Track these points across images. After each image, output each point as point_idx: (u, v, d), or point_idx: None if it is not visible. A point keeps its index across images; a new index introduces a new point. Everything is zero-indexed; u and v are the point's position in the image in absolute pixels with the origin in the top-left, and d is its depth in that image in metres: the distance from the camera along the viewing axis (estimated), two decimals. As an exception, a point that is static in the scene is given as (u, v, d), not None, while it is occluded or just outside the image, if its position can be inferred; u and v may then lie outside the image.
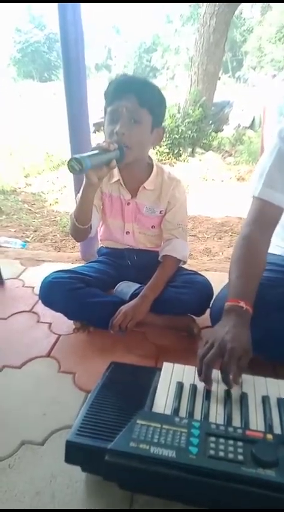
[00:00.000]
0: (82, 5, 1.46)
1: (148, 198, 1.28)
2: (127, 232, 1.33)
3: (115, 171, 1.24)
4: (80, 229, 1.16)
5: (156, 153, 5.62)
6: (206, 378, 0.79)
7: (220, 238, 3.00)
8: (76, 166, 0.92)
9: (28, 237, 2.96)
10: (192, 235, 3.01)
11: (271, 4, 18.06)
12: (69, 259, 1.82)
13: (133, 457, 0.65)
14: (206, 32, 6.07)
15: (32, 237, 2.97)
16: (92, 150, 0.99)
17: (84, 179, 1.03)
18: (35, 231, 3.10)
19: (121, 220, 1.31)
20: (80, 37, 1.49)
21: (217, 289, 1.13)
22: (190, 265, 1.60)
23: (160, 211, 1.29)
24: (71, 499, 0.72)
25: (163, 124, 1.22)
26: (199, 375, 0.81)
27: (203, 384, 0.80)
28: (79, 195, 1.10)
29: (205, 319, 1.18)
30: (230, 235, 3.03)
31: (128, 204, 1.28)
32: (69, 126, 1.62)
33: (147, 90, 1.11)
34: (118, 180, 1.25)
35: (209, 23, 5.97)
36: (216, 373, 0.80)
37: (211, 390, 0.80)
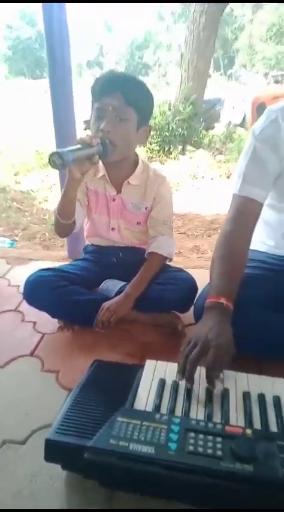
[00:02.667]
0: (72, 3, 1.45)
1: (133, 194, 1.27)
2: (113, 229, 1.32)
3: (101, 166, 1.24)
4: (63, 225, 1.16)
5: (146, 150, 5.61)
6: (189, 377, 0.79)
7: (209, 236, 3.01)
8: (57, 161, 0.91)
9: (16, 236, 2.94)
10: (181, 233, 3.02)
11: (262, 3, 18.11)
12: (56, 258, 1.81)
13: (112, 454, 0.65)
14: (196, 30, 6.08)
15: (21, 236, 2.95)
16: (75, 144, 0.99)
17: (67, 174, 1.02)
18: (24, 230, 3.08)
19: (106, 216, 1.31)
20: (65, 31, 1.47)
21: (202, 286, 1.13)
22: (177, 262, 1.60)
23: (146, 208, 1.29)
24: (51, 497, 0.72)
25: (150, 122, 1.21)
26: (181, 373, 0.81)
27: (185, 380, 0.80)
28: (63, 190, 1.10)
29: (189, 316, 1.18)
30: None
31: (113, 200, 1.28)
32: (55, 124, 1.61)
33: (133, 87, 1.11)
34: (104, 175, 1.25)
35: (199, 20, 5.98)
36: (197, 370, 0.80)
37: (193, 387, 0.80)
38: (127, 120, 1.10)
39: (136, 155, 1.28)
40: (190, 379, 0.79)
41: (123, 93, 1.07)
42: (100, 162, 1.24)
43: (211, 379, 0.78)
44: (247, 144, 1.04)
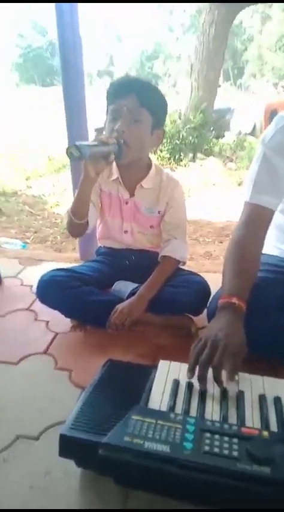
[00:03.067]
0: (83, 12, 1.49)
1: (146, 198, 1.28)
2: (126, 232, 1.33)
3: (114, 169, 1.25)
4: (76, 224, 1.17)
5: (157, 158, 5.65)
6: (202, 378, 0.78)
7: (220, 242, 3.01)
8: (75, 153, 0.94)
9: (28, 239, 2.97)
10: (193, 239, 3.02)
11: (271, 14, 18.27)
12: (68, 259, 1.83)
13: (127, 451, 0.64)
14: (206, 40, 6.15)
15: (32, 239, 2.98)
16: (91, 142, 1.01)
17: (82, 173, 1.04)
18: (35, 233, 3.11)
19: (120, 219, 1.32)
20: (78, 40, 1.51)
21: (215, 289, 1.13)
22: (189, 266, 1.60)
23: (159, 212, 1.30)
24: (65, 493, 0.72)
25: (163, 126, 1.23)
26: (191, 371, 0.80)
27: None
28: (77, 190, 1.11)
29: (202, 318, 1.18)
30: (230, 240, 3.04)
31: (126, 203, 1.29)
32: (68, 130, 1.64)
33: (148, 90, 1.13)
34: (117, 178, 1.26)
35: (209, 31, 6.05)
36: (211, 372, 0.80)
37: (207, 388, 0.79)
38: (141, 121, 1.12)
39: (149, 159, 1.30)
40: (203, 380, 0.78)
41: (138, 95, 1.09)
42: (114, 165, 1.25)
43: (217, 378, 0.78)
44: (257, 152, 1.04)
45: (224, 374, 0.79)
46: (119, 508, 0.69)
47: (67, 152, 0.95)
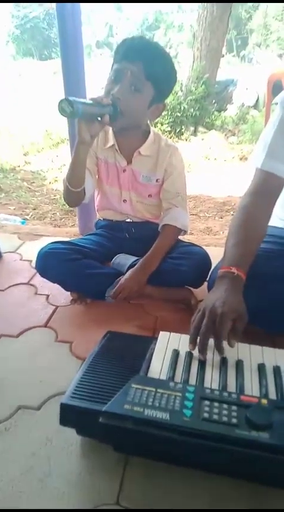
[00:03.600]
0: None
1: (144, 165, 1.25)
2: (124, 201, 1.30)
3: (111, 135, 1.22)
4: (73, 193, 1.14)
5: (157, 131, 5.53)
6: (203, 349, 0.78)
7: (221, 218, 2.98)
8: (66, 108, 0.89)
9: (27, 215, 2.94)
10: (193, 214, 2.99)
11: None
12: (68, 234, 1.81)
13: (127, 419, 0.65)
14: (209, 7, 5.88)
15: (31, 215, 2.95)
16: (86, 100, 0.96)
17: (77, 137, 1.00)
18: (34, 209, 3.09)
19: (118, 187, 1.29)
20: (77, 12, 1.43)
21: (215, 262, 1.12)
22: (190, 240, 1.59)
23: (157, 180, 1.26)
24: (66, 460, 0.73)
25: (164, 101, 1.17)
26: (191, 342, 0.80)
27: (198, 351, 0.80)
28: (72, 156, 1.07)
29: (202, 291, 1.17)
30: (232, 215, 3.01)
31: (124, 171, 1.25)
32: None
33: (158, 62, 1.06)
34: (114, 145, 1.22)
35: (213, -4, 5.78)
36: (211, 340, 0.80)
37: (207, 358, 0.79)
38: (141, 92, 1.06)
39: (148, 126, 1.25)
40: (203, 351, 0.78)
41: (145, 64, 1.03)
42: (110, 132, 1.21)
43: (219, 347, 0.78)
44: (274, 115, 0.98)
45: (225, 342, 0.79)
46: (120, 475, 0.70)
47: (59, 107, 0.90)
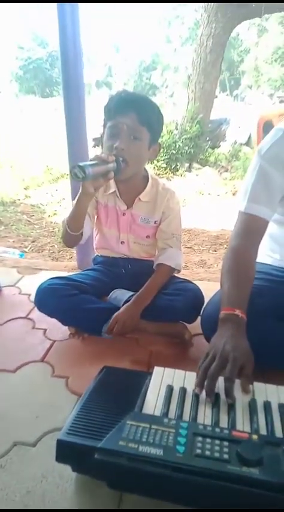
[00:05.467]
0: (82, 22, 1.52)
1: (143, 209, 1.32)
2: (122, 242, 1.36)
3: (112, 182, 1.29)
4: (71, 236, 1.20)
5: (154, 167, 5.72)
6: (210, 391, 0.79)
7: (215, 251, 3.04)
8: (79, 174, 0.96)
9: (26, 248, 2.99)
10: (188, 247, 3.06)
11: (267, 26, 18.61)
12: (66, 268, 1.85)
13: (122, 455, 0.66)
14: (203, 52, 6.27)
15: (30, 248, 3.00)
16: (91, 160, 1.03)
17: (80, 189, 1.07)
18: (33, 242, 3.14)
19: (116, 230, 1.35)
20: (79, 53, 1.55)
21: (209, 297, 1.15)
22: (184, 274, 1.63)
23: (155, 222, 1.33)
24: (61, 498, 0.73)
25: (159, 140, 1.26)
26: (200, 386, 0.81)
27: (192, 387, 0.82)
28: (74, 202, 1.14)
29: (196, 326, 1.20)
30: (225, 248, 3.06)
31: (124, 214, 1.32)
32: (68, 141, 1.67)
33: (147, 108, 1.16)
34: (115, 191, 1.30)
35: (206, 43, 6.17)
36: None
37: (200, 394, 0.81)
38: (140, 139, 1.15)
39: (146, 171, 1.33)
40: (211, 394, 0.78)
41: (137, 114, 1.12)
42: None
43: (229, 391, 0.78)
44: (253, 163, 1.06)
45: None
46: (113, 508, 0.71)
47: (71, 173, 0.97)
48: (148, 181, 1.31)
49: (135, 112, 1.12)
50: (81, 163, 0.96)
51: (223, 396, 0.80)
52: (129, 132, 1.13)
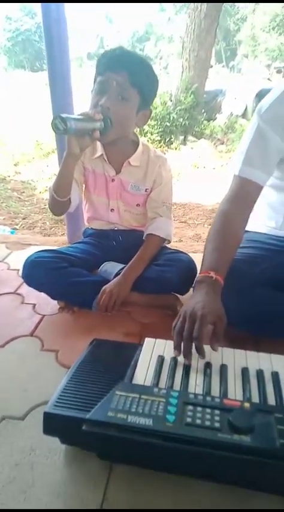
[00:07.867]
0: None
1: (133, 175, 1.26)
2: (112, 210, 1.32)
3: (99, 146, 1.23)
4: (59, 202, 1.15)
5: (147, 140, 5.59)
6: (187, 353, 0.79)
7: (210, 225, 2.99)
8: (60, 125, 0.91)
9: (17, 225, 2.94)
10: (182, 222, 3.02)
11: (265, -8, 17.90)
12: (56, 243, 1.81)
13: (110, 426, 0.65)
14: (197, 18, 6.02)
15: (21, 225, 2.95)
16: (78, 115, 0.98)
17: (66, 149, 1.01)
18: (24, 219, 3.08)
19: (105, 197, 1.30)
20: (63, 29, 1.46)
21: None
22: (177, 247, 1.60)
23: (146, 189, 1.28)
24: (50, 469, 0.72)
25: (150, 107, 1.19)
26: (176, 348, 0.81)
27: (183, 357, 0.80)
28: (60, 166, 1.08)
29: (188, 297, 1.17)
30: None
31: (112, 180, 1.27)
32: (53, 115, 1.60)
33: (141, 70, 1.09)
34: (102, 155, 1.24)
35: (200, 7, 5.91)
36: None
37: (192, 363, 0.80)
38: (128, 100, 1.08)
39: (136, 136, 1.27)
40: (188, 355, 0.79)
41: (129, 73, 1.05)
42: (97, 142, 1.23)
43: (199, 349, 0.78)
44: (251, 123, 1.01)
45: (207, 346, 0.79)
46: (104, 483, 0.70)
47: (52, 124, 0.92)
48: (138, 146, 1.25)
49: (127, 71, 1.05)
50: (63, 115, 0.91)
51: (215, 366, 0.79)
52: (118, 91, 1.06)
